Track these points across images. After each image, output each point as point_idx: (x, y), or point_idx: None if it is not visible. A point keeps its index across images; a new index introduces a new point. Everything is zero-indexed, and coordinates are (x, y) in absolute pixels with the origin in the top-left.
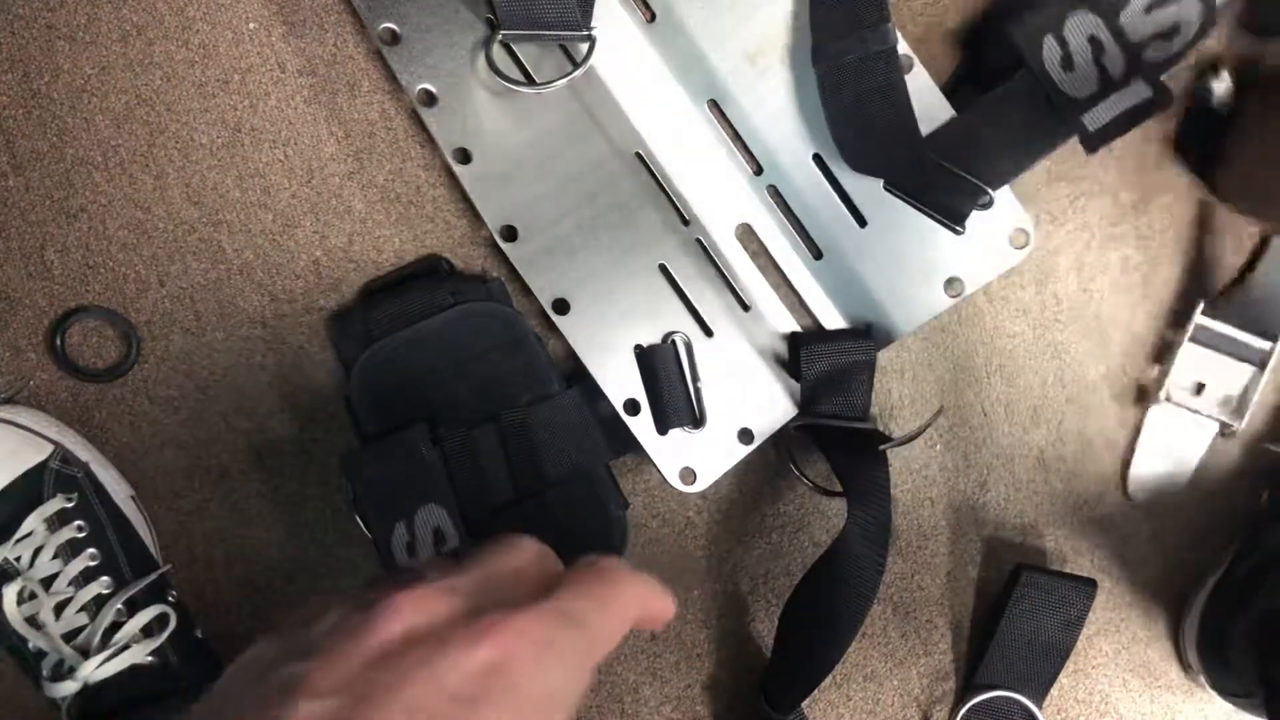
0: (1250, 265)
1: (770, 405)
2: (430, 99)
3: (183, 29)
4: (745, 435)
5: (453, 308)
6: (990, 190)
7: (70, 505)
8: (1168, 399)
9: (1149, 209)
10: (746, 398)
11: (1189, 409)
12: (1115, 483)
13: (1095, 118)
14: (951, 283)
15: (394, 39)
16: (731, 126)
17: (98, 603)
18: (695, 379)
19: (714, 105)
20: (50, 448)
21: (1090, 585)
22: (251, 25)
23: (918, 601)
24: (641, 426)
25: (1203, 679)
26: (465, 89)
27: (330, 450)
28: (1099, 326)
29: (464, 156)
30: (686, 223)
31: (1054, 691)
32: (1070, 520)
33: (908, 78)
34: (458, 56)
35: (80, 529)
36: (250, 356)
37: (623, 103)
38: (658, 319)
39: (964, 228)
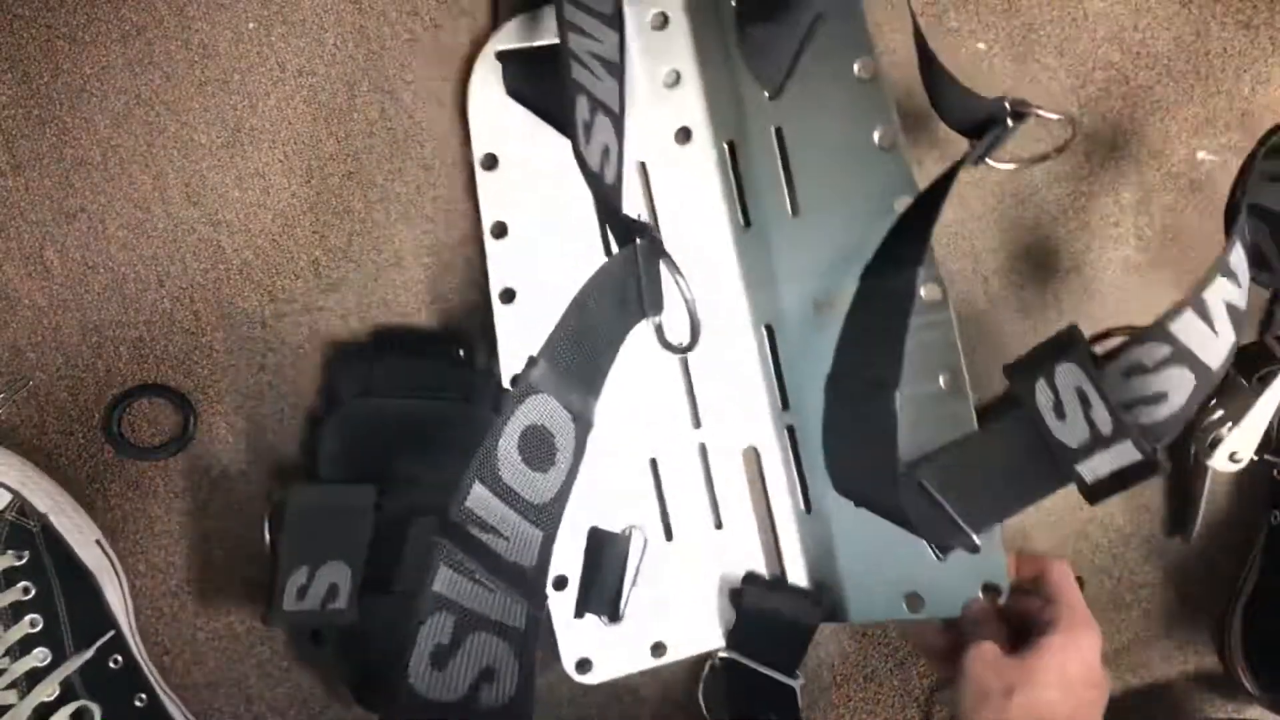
0: None
1: (697, 628)
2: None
3: (183, 29)
4: (658, 649)
5: (456, 402)
6: (974, 536)
7: (20, 564)
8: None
9: (1149, 209)
10: (677, 613)
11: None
12: None
13: (1091, 469)
14: (913, 598)
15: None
16: (776, 356)
17: (30, 679)
18: (636, 580)
19: (769, 330)
20: (8, 498)
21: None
22: (251, 25)
23: None
24: (560, 602)
25: (1259, 698)
26: (533, 223)
27: None
28: (1099, 327)
29: (501, 230)
30: (698, 426)
31: None
32: (1070, 520)
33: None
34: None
35: (26, 591)
36: (250, 356)
37: (686, 291)
38: (625, 509)
39: (945, 556)
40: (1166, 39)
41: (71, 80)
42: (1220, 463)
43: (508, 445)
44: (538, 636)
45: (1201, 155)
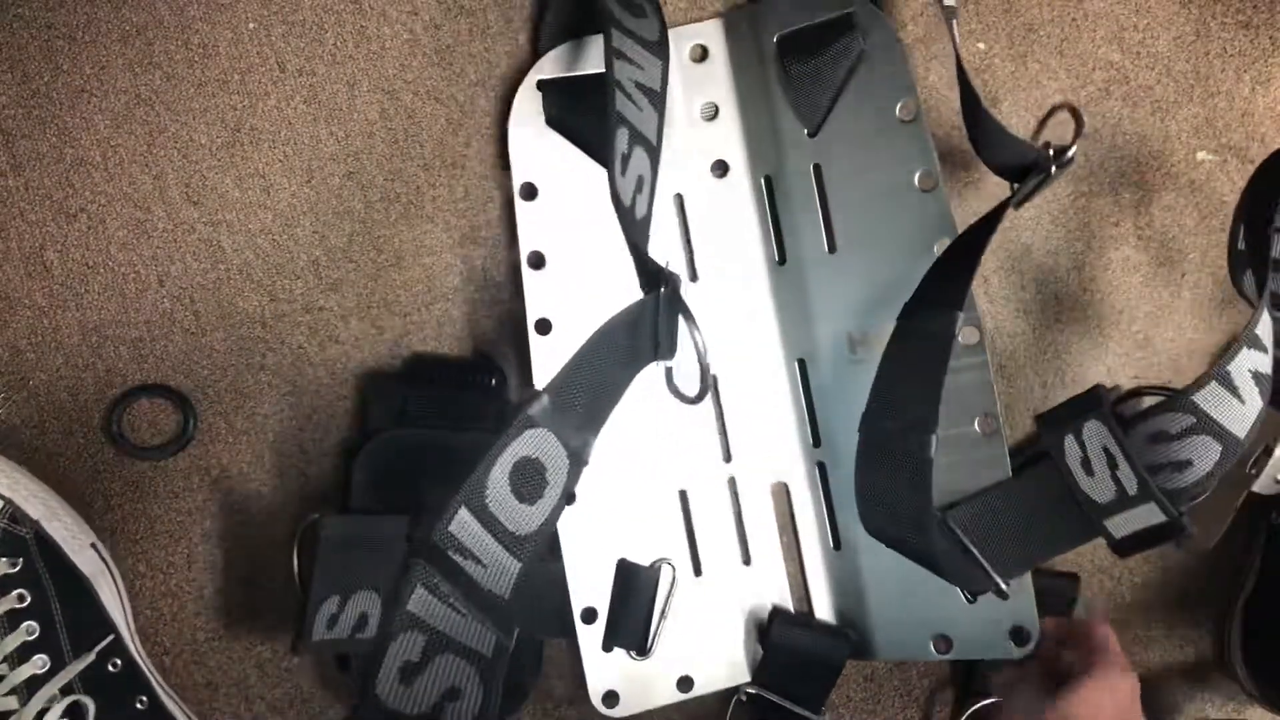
0: None
1: (724, 663)
2: (531, 193)
3: (183, 29)
4: (685, 683)
5: (487, 432)
6: (1004, 584)
7: (13, 571)
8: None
9: (1150, 209)
10: (704, 647)
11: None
12: None
13: (1117, 526)
14: (941, 640)
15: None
16: (809, 392)
17: (30, 686)
18: (664, 614)
19: (802, 365)
20: None
21: (1074, 580)
22: (251, 25)
23: None
24: (589, 635)
25: (1257, 696)
26: (570, 252)
27: (329, 450)
28: (1099, 326)
29: (538, 260)
30: (729, 459)
31: None
32: None
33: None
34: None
35: (21, 598)
36: (250, 356)
37: (716, 324)
38: (655, 542)
39: (975, 599)
40: (1166, 39)
41: (71, 80)
42: (1266, 486)
43: (499, 474)
44: (505, 665)
45: (1201, 155)
